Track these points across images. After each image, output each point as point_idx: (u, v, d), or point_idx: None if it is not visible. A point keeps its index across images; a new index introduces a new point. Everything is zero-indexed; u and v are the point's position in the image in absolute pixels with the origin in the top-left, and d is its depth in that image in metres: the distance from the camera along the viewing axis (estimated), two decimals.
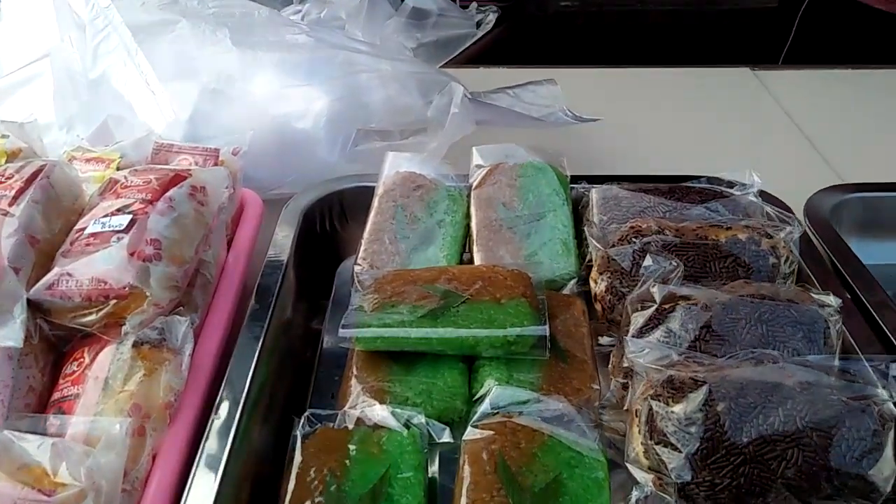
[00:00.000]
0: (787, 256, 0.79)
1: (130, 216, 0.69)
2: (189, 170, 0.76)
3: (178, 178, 0.75)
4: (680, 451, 0.62)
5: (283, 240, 0.87)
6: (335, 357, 0.85)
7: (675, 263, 0.76)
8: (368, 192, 0.95)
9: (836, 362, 0.66)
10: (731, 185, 0.94)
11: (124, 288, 0.64)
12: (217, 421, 0.65)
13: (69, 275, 0.65)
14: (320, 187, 0.96)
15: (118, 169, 0.81)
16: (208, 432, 0.64)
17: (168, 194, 0.72)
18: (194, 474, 0.61)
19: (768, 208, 0.85)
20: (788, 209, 0.91)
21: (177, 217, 0.71)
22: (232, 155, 0.87)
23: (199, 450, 0.62)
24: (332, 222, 0.97)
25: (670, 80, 1.50)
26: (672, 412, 0.63)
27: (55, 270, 0.65)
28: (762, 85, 1.46)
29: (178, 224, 0.71)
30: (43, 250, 0.69)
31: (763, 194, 0.92)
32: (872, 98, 1.43)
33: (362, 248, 0.91)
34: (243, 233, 0.86)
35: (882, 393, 0.64)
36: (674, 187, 0.91)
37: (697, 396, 0.63)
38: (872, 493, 0.61)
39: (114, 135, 0.88)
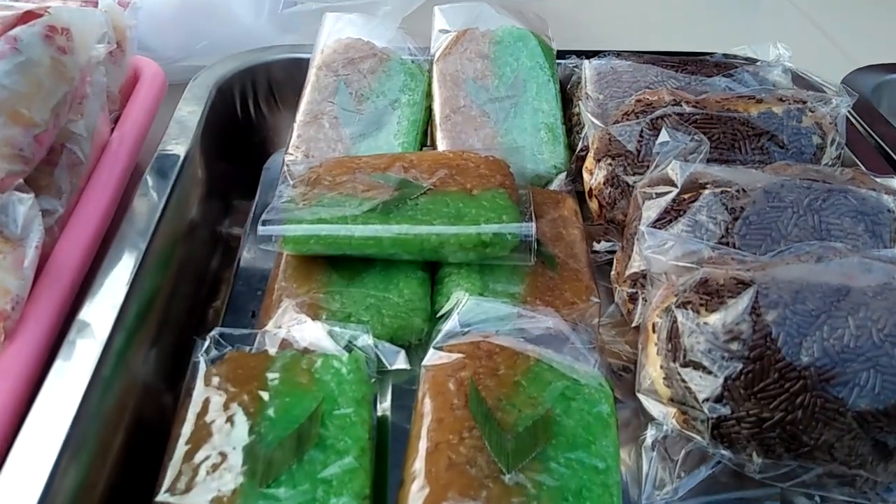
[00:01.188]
0: (833, 136, 0.63)
1: None
2: (46, 7, 0.55)
3: (29, 15, 0.54)
4: (716, 376, 0.46)
5: (186, 119, 0.67)
6: (259, 271, 0.66)
7: (698, 139, 0.58)
8: (303, 67, 0.75)
9: None
10: (750, 61, 0.77)
11: None
12: (81, 342, 0.47)
13: None
14: (240, 58, 0.75)
15: None
16: (64, 358, 0.45)
17: (12, 33, 0.52)
18: (37, 405, 0.42)
19: (809, 76, 0.69)
20: (822, 87, 0.74)
21: (24, 63, 0.51)
22: (118, 6, 0.66)
23: (44, 380, 0.43)
24: (256, 104, 0.77)
25: None
26: (705, 324, 0.47)
27: None
28: None
29: (24, 72, 0.51)
30: None
31: (791, 71, 0.75)
32: None
33: (294, 133, 0.71)
34: (135, 108, 0.66)
35: None
36: (685, 59, 0.73)
37: (741, 302, 0.47)
38: None
39: None
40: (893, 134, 0.68)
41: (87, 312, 0.48)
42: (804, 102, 0.63)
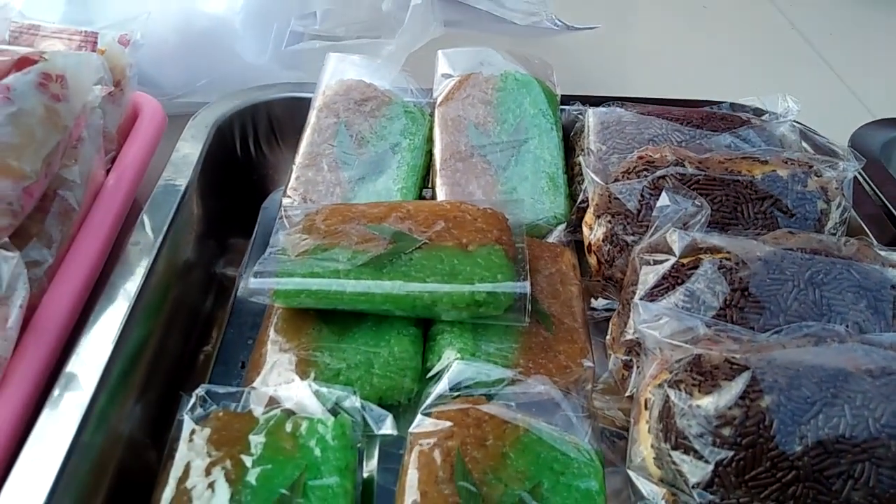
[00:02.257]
0: (839, 201, 0.61)
1: None
2: (41, 52, 0.55)
3: (24, 61, 0.54)
4: (707, 461, 0.45)
5: (185, 158, 0.66)
6: (251, 314, 0.66)
7: (698, 204, 0.57)
8: (304, 106, 0.74)
9: None
10: (758, 112, 0.75)
11: None
12: (65, 399, 0.46)
13: None
14: (241, 96, 0.75)
15: None
16: (46, 414, 0.45)
17: (5, 81, 0.51)
18: (13, 475, 0.42)
19: (816, 135, 0.67)
20: (830, 145, 0.73)
21: (15, 113, 0.51)
22: (118, 44, 0.66)
23: (26, 441, 0.43)
24: (256, 142, 0.76)
25: None
26: (698, 406, 0.46)
27: None
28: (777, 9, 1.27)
29: (16, 123, 0.51)
30: None
31: (799, 125, 0.73)
32: None
33: (293, 175, 0.71)
34: (133, 148, 0.66)
35: None
36: (690, 112, 0.72)
37: (735, 386, 0.45)
38: None
39: None
40: None
41: (72, 366, 0.48)
42: (810, 166, 0.62)
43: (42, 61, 0.54)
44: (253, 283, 0.57)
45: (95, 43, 0.64)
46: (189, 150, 0.67)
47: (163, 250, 0.58)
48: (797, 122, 0.72)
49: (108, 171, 0.64)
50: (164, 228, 0.59)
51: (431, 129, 0.74)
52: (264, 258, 0.59)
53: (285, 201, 0.69)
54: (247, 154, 0.76)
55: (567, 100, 0.77)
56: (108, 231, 0.58)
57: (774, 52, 1.17)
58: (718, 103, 0.76)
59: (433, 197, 0.72)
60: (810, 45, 1.17)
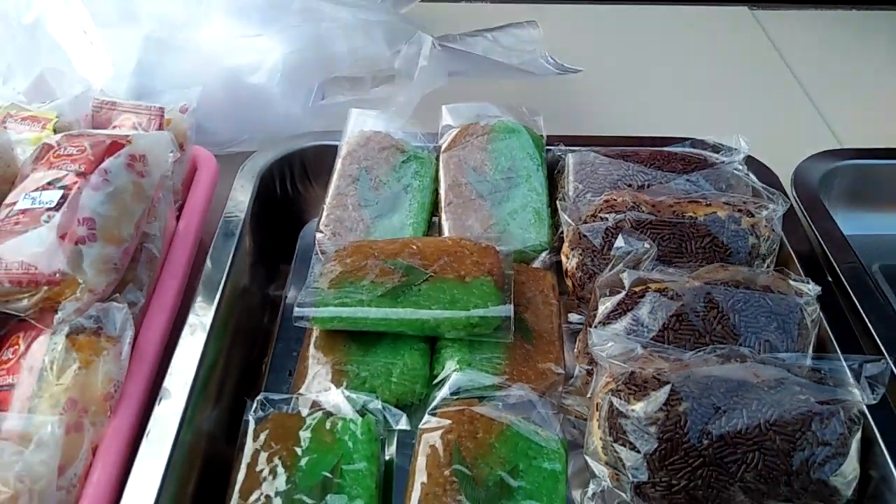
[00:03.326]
0: (767, 236, 0.75)
1: (62, 191, 0.64)
2: (128, 136, 0.70)
3: (115, 146, 0.69)
4: (638, 451, 0.60)
5: (238, 203, 0.82)
6: (295, 328, 0.81)
7: (647, 245, 0.72)
8: (331, 151, 0.89)
9: (809, 361, 0.63)
10: (716, 149, 0.89)
11: (55, 274, 0.60)
12: (162, 409, 0.63)
13: None
14: (279, 146, 0.90)
15: (55, 131, 0.75)
16: (151, 423, 0.61)
17: (103, 166, 0.67)
18: (135, 468, 0.58)
19: (754, 179, 0.81)
20: (775, 177, 0.86)
21: (113, 192, 0.66)
22: (180, 113, 0.81)
23: (141, 441, 0.59)
24: (293, 183, 0.92)
25: (662, 17, 1.41)
26: (632, 410, 0.61)
27: None
28: (760, 27, 1.38)
29: (114, 200, 0.66)
30: None
31: (750, 160, 0.87)
32: (879, 44, 1.34)
33: (324, 214, 0.86)
34: (196, 197, 0.81)
35: (853, 394, 0.62)
36: (655, 153, 0.86)
37: (659, 396, 0.60)
38: (833, 496, 0.60)
39: (52, 88, 0.81)
40: (830, 228, 0.80)
41: (168, 383, 0.64)
42: (744, 208, 0.75)
43: (128, 144, 0.70)
44: (297, 312, 0.73)
45: (163, 115, 0.79)
46: (241, 197, 0.83)
47: (228, 282, 0.74)
48: (749, 159, 0.86)
49: (177, 218, 0.80)
50: (228, 263, 0.75)
51: (437, 171, 0.89)
52: (305, 289, 0.75)
53: (318, 236, 0.85)
54: (285, 193, 0.92)
55: (552, 140, 0.91)
56: (184, 270, 0.74)
57: (749, 75, 1.27)
58: (682, 140, 0.90)
59: (439, 226, 0.87)
60: (790, 69, 1.27)
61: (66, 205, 0.63)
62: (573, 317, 0.80)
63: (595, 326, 0.67)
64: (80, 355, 0.60)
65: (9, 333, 0.64)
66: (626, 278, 0.69)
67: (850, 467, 0.60)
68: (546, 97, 0.93)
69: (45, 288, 0.60)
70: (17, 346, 0.61)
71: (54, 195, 0.64)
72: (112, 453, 0.58)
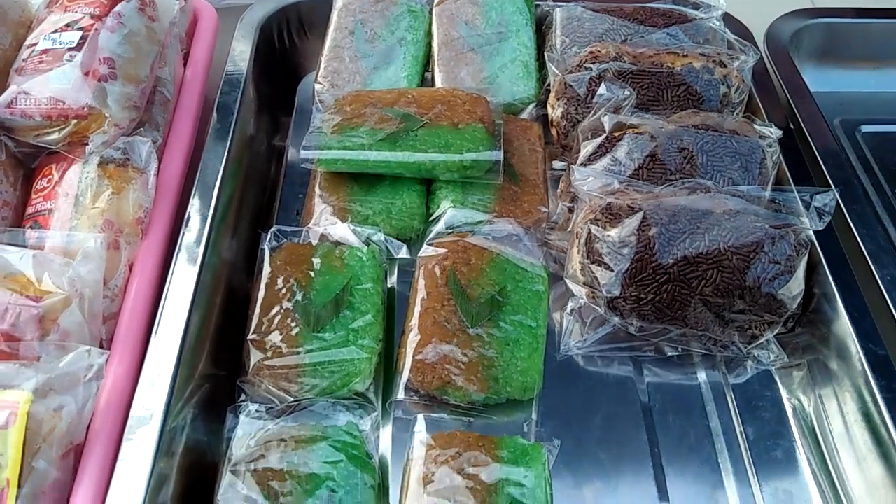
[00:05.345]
0: (738, 85, 0.81)
1: (80, 32, 0.67)
2: None
3: None
4: (611, 270, 0.69)
5: (240, 54, 0.86)
6: (299, 174, 0.88)
7: (628, 92, 0.78)
8: (326, 4, 0.92)
9: (768, 193, 0.71)
10: (696, 5, 0.93)
11: (83, 108, 0.65)
12: (188, 234, 0.69)
13: (26, 93, 0.65)
14: None
15: None
16: (180, 244, 0.68)
17: (117, 9, 0.70)
18: (170, 280, 0.66)
19: (729, 34, 0.86)
20: (749, 34, 0.91)
21: (128, 34, 0.70)
22: None
23: (174, 259, 0.66)
24: (290, 36, 0.95)
25: None
26: (608, 235, 0.69)
27: (12, 88, 0.65)
28: None
29: (129, 41, 0.70)
30: None
31: (727, 17, 0.91)
32: None
33: (322, 66, 0.90)
34: (199, 48, 0.85)
35: (803, 221, 0.70)
36: (638, 9, 0.90)
37: (632, 222, 0.68)
38: (780, 309, 0.69)
39: None
40: (797, 81, 0.86)
41: (187, 218, 0.71)
42: (718, 59, 0.81)
43: None
44: (302, 154, 0.78)
45: None
46: (242, 48, 0.86)
47: (236, 129, 0.79)
48: (726, 16, 0.90)
49: (184, 66, 0.83)
50: (235, 111, 0.80)
51: (430, 25, 0.92)
52: (308, 134, 0.80)
53: (317, 87, 0.89)
54: (283, 46, 0.95)
55: None
56: (195, 113, 0.79)
57: None
58: None
59: (432, 80, 0.91)
60: None
61: (86, 45, 0.67)
62: (557, 164, 0.87)
63: (577, 165, 0.74)
64: (111, 183, 0.65)
65: (41, 166, 0.69)
66: (607, 122, 0.75)
67: (796, 284, 0.69)
68: None
69: (74, 121, 0.65)
70: (50, 176, 0.67)
71: (73, 36, 0.67)
72: (147, 269, 0.66)
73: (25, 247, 0.62)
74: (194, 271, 0.66)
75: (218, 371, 0.68)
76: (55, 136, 0.66)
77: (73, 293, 0.58)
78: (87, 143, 0.67)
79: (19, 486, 0.50)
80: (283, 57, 0.95)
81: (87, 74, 0.65)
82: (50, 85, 0.65)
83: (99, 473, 0.54)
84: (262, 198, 0.85)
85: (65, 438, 0.53)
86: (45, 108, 0.65)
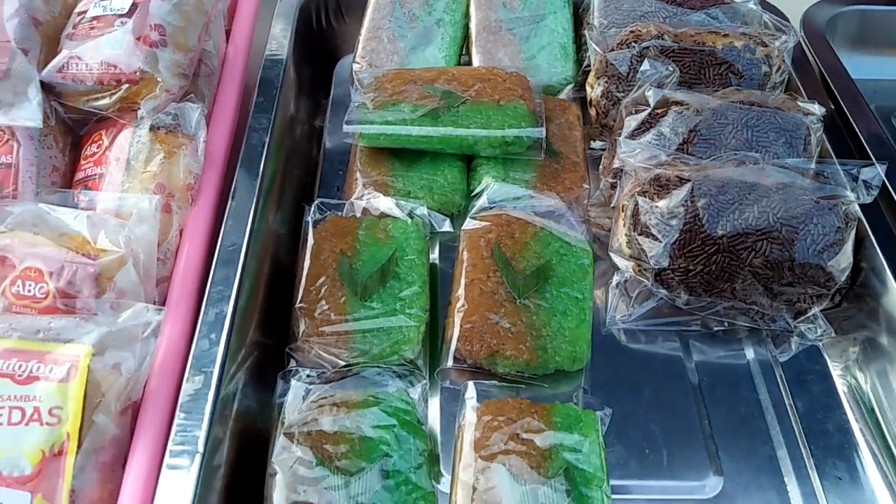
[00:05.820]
0: (779, 65, 0.82)
1: (131, 0, 0.68)
2: None
3: None
4: (660, 241, 0.68)
5: (281, 32, 0.86)
6: (337, 154, 0.88)
7: (671, 69, 0.78)
8: None
9: (813, 165, 0.71)
10: None
11: (135, 72, 0.65)
12: (236, 203, 0.69)
13: (78, 58, 0.65)
14: None
15: None
16: (229, 212, 0.68)
17: None
18: (220, 247, 0.65)
19: (766, 17, 0.86)
20: (786, 19, 0.92)
21: (177, 3, 0.70)
22: None
23: (223, 227, 0.66)
24: (328, 18, 0.95)
25: None
26: (656, 207, 0.69)
27: (64, 53, 0.65)
28: None
29: (179, 10, 0.70)
30: (46, 34, 0.68)
31: (763, 2, 0.92)
32: None
33: (360, 46, 0.90)
34: (240, 25, 0.85)
35: (850, 194, 0.70)
36: None
37: (681, 193, 0.68)
38: (828, 282, 0.69)
39: None
40: (834, 62, 0.87)
41: (237, 184, 0.71)
42: (760, 39, 0.81)
43: None
44: (346, 128, 0.78)
45: None
46: (282, 27, 0.86)
47: (279, 105, 0.79)
48: (762, 2, 0.90)
49: (227, 42, 0.84)
50: (278, 85, 0.80)
51: (468, 6, 0.93)
52: (350, 109, 0.80)
53: (356, 67, 0.89)
54: (320, 28, 0.95)
55: None
56: (238, 87, 0.79)
57: None
58: None
59: (469, 63, 0.92)
60: None
61: (137, 11, 0.67)
62: (596, 144, 0.87)
63: (623, 138, 0.74)
64: (163, 147, 0.65)
65: (89, 132, 0.69)
66: (652, 96, 0.75)
67: (845, 257, 0.69)
68: None
69: (126, 86, 0.65)
70: (100, 142, 0.67)
71: (124, 3, 0.67)
72: (197, 234, 0.65)
73: (77, 209, 0.62)
74: (244, 239, 0.66)
75: (265, 339, 0.67)
76: (106, 100, 0.66)
77: (129, 253, 0.58)
78: (136, 109, 0.67)
79: (79, 441, 0.50)
80: (320, 38, 0.95)
81: (138, 40, 0.65)
82: (102, 50, 0.65)
83: (156, 434, 0.53)
84: (304, 174, 0.85)
85: (123, 395, 0.53)
86: (96, 72, 0.65)
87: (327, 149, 0.89)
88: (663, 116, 0.75)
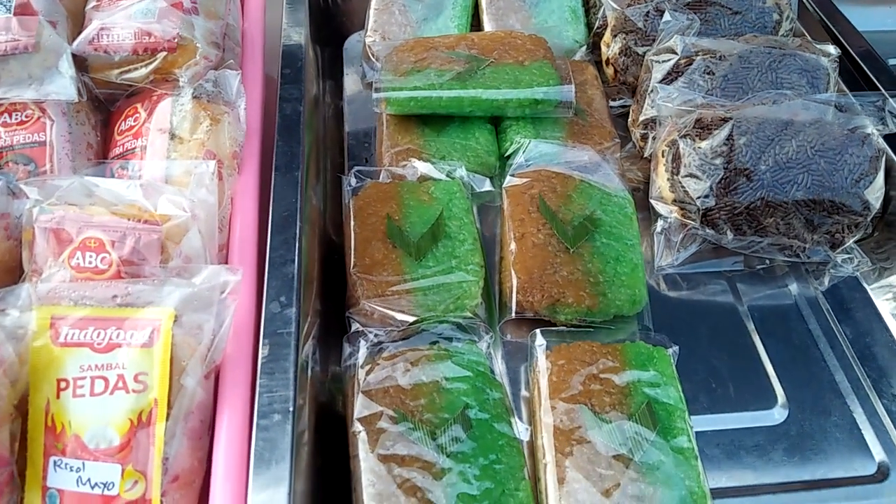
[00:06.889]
0: (788, 14, 0.84)
1: None
2: None
3: None
4: (705, 182, 0.70)
5: (293, 10, 0.84)
6: (360, 128, 0.87)
7: (691, 18, 0.79)
8: None
9: (844, 99, 0.73)
10: None
11: (172, 39, 0.63)
12: (282, 173, 0.67)
13: (108, 29, 0.63)
14: None
15: None
16: (275, 181, 0.66)
17: None
18: (273, 214, 0.63)
19: None
20: None
21: None
22: None
23: (272, 195, 0.64)
24: None
25: None
26: (699, 147, 0.70)
27: (94, 24, 0.63)
28: None
29: None
30: (68, 7, 0.65)
31: None
32: None
33: (371, 19, 0.89)
34: (252, 1, 0.83)
35: (878, 126, 0.72)
36: None
37: (722, 132, 0.70)
38: (865, 209, 0.71)
39: None
40: (833, 11, 0.90)
41: (278, 153, 0.69)
42: None
43: None
44: (375, 96, 0.77)
45: None
46: (297, 6, 0.85)
47: (305, 80, 0.77)
48: None
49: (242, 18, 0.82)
50: (301, 60, 0.78)
51: None
52: (377, 79, 0.79)
53: (368, 40, 0.88)
54: (326, 5, 0.94)
55: None
56: (259, 64, 0.77)
57: None
58: None
59: (480, 30, 0.92)
60: None
61: None
62: (615, 103, 0.88)
63: (658, 84, 0.75)
64: (208, 114, 0.63)
65: (121, 109, 0.67)
66: (678, 44, 0.76)
67: (879, 184, 0.71)
68: None
69: (162, 54, 0.63)
70: (136, 115, 0.65)
71: None
72: (248, 200, 0.63)
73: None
74: (296, 206, 0.64)
75: (324, 307, 0.66)
76: (140, 72, 0.64)
77: (192, 217, 0.56)
78: (171, 80, 0.64)
79: (169, 407, 0.48)
80: (327, 15, 0.94)
81: (173, 6, 0.63)
82: (134, 19, 0.63)
83: (241, 398, 0.51)
84: (333, 146, 0.84)
85: (207, 358, 0.50)
86: (130, 42, 0.62)
87: (349, 122, 0.88)
88: (689, 65, 0.77)
